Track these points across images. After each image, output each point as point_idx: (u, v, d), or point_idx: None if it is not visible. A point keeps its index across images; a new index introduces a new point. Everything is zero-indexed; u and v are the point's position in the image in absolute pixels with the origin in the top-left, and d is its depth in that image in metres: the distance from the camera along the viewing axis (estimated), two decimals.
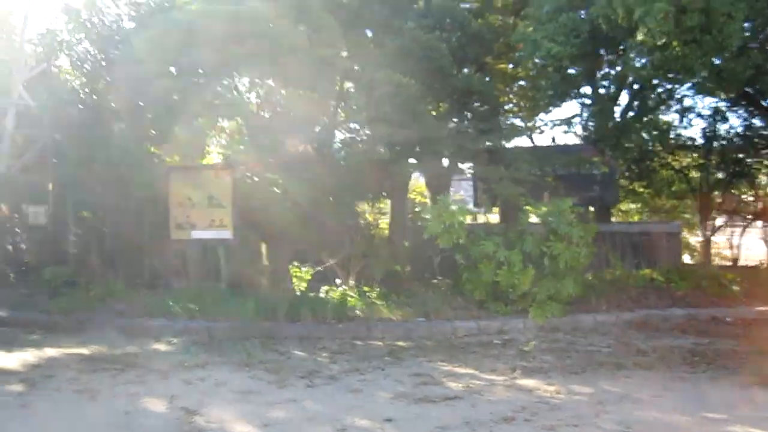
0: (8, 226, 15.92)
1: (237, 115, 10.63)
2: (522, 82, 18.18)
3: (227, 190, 12.81)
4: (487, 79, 12.80)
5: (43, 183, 14.42)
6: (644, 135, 12.17)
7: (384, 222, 17.86)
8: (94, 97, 12.12)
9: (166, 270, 13.39)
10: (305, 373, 7.88)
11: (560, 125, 14.67)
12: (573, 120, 12.37)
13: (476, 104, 12.43)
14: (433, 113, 12.03)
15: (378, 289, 11.15)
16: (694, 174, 18.15)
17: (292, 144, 11.66)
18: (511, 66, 16.55)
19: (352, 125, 11.91)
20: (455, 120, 12.01)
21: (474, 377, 7.72)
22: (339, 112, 12.20)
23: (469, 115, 12.32)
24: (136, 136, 10.61)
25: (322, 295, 11.10)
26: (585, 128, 12.01)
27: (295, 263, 11.59)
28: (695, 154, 17.50)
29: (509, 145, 12.83)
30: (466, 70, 12.90)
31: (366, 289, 11.14)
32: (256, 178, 13.74)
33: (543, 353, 8.86)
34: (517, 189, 11.34)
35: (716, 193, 17.43)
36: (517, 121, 14.71)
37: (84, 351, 9.29)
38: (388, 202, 18.31)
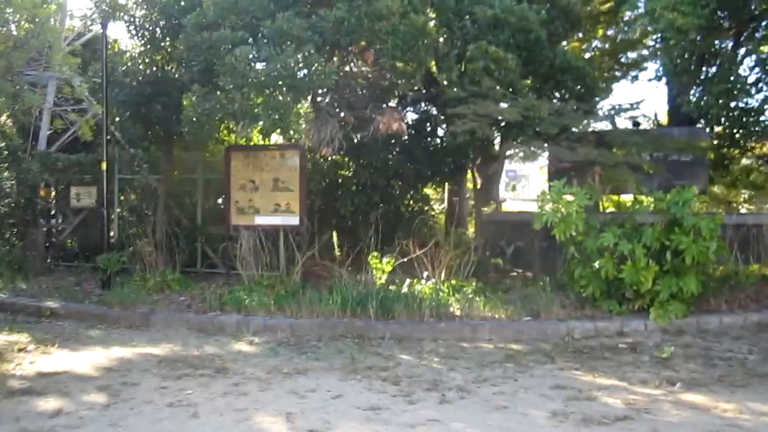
0: (45, 209, 14.93)
1: (322, 87, 9.45)
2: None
3: (295, 173, 11.74)
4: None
5: (92, 163, 13.39)
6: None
7: (432, 209, 16.69)
8: (154, 68, 10.97)
9: (224, 259, 12.35)
10: (430, 384, 6.78)
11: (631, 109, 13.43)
12: (690, 101, 10.98)
13: (572, 83, 11.26)
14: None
15: (474, 284, 10.02)
16: None
17: (372, 123, 10.53)
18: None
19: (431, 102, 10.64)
20: (554, 100, 10.79)
21: (627, 391, 6.62)
22: (430, 87, 11.05)
23: (566, 94, 11.14)
24: (204, 111, 9.43)
25: (405, 289, 9.98)
26: (700, 109, 10.75)
27: (374, 253, 10.46)
28: None
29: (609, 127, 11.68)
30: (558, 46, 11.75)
31: (459, 282, 10.03)
32: (322, 160, 12.72)
33: (684, 361, 7.73)
34: (633, 175, 10.21)
35: None
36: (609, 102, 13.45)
37: (157, 351, 8.22)
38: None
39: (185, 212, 13.49)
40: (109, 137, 11.66)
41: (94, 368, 7.47)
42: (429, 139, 12.87)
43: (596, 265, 9.31)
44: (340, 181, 13.25)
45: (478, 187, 14.37)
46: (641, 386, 6.78)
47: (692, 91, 11.65)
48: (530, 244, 13.10)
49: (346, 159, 12.96)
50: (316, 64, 8.98)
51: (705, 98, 10.31)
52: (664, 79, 16.10)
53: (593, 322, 9.06)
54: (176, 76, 10.83)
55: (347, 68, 10.82)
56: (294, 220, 11.75)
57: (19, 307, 10.55)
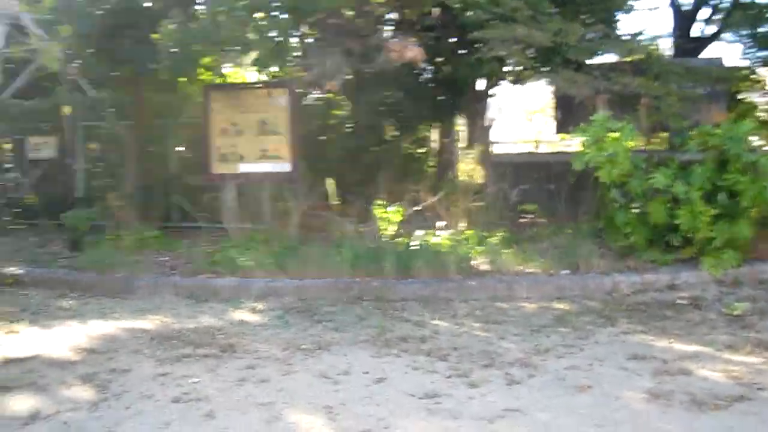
0: None
1: (328, 8, 8.06)
2: None
3: (284, 114, 10.40)
4: None
5: (50, 110, 11.88)
6: None
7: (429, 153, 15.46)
8: None
9: (206, 212, 11.03)
10: (484, 359, 5.65)
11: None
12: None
13: (595, 6, 10.02)
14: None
15: (500, 234, 8.88)
16: None
17: (381, 52, 9.20)
18: None
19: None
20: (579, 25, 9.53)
21: (719, 360, 5.55)
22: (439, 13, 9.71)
23: (587, 20, 9.91)
24: (184, 40, 8.04)
25: (417, 242, 8.81)
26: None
27: (378, 202, 9.28)
28: None
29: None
30: None
31: (481, 233, 8.88)
32: (312, 99, 11.38)
33: (761, 319, 6.72)
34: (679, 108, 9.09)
35: None
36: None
37: (146, 325, 6.98)
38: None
39: (157, 162, 12.10)
40: (69, 78, 10.18)
41: (72, 350, 6.21)
42: (437, 72, 11.56)
43: (640, 209, 8.23)
44: (330, 122, 11.93)
45: (477, 126, 13.17)
46: (732, 353, 5.72)
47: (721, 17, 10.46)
48: (538, 187, 12.01)
49: (340, 97, 11.62)
50: None
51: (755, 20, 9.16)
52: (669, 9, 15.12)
53: (639, 274, 7.99)
54: (148, 5, 9.36)
55: None
56: (285, 167, 10.45)
57: None
